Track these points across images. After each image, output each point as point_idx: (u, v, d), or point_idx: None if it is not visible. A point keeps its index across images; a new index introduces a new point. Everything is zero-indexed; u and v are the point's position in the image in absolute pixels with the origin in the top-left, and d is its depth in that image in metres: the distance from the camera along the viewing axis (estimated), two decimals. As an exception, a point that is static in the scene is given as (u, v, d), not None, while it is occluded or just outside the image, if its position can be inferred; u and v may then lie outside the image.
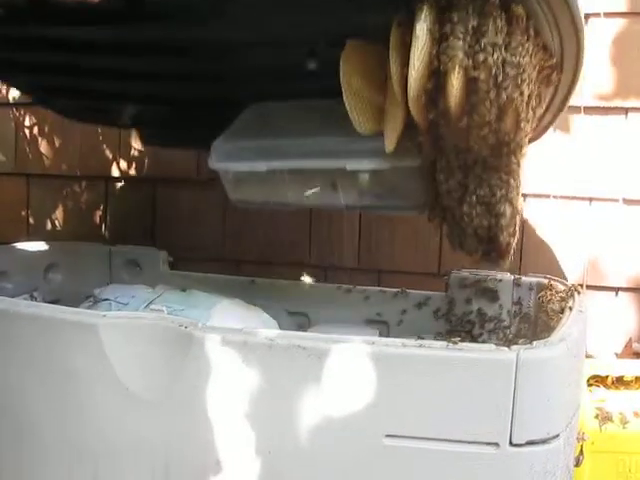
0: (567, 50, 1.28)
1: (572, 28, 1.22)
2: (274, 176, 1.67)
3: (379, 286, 1.77)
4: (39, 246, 1.93)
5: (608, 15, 1.99)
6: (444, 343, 1.00)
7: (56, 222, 2.50)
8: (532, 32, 1.21)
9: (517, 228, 1.43)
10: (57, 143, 2.48)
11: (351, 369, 1.01)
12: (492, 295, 1.67)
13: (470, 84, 1.17)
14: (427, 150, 1.39)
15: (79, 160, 2.47)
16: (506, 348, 0.99)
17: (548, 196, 2.06)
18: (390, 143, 1.39)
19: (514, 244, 1.43)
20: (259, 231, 2.29)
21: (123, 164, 2.42)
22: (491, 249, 1.48)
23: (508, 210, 1.41)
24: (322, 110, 1.62)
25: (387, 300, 1.74)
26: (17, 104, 2.52)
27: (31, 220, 2.54)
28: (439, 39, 1.17)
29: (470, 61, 1.16)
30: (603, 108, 2.02)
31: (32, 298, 1.82)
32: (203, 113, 1.88)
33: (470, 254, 1.54)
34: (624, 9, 1.98)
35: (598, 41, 2.00)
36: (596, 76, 2.00)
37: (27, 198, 2.54)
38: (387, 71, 1.34)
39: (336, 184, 1.66)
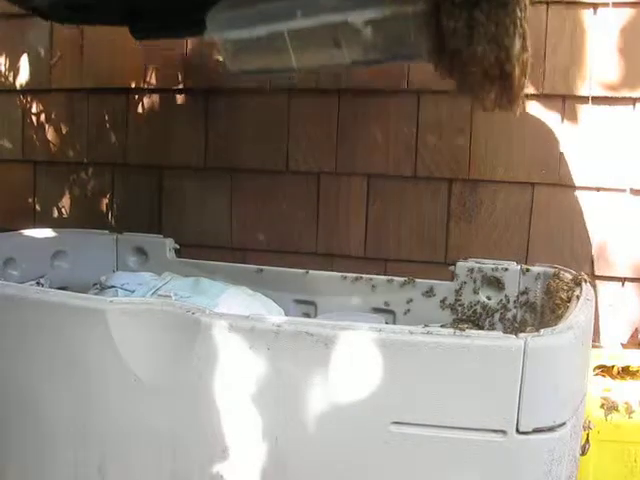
0: None
1: None
2: (276, 41, 1.61)
3: (386, 275, 1.77)
4: (46, 233, 1.93)
5: (616, 5, 1.98)
6: (451, 330, 1.00)
7: (63, 209, 2.51)
8: None
9: (529, 65, 1.37)
10: (64, 130, 2.48)
11: (358, 356, 1.01)
12: (498, 284, 1.66)
13: None
14: None
15: (86, 147, 2.47)
16: (513, 336, 0.99)
17: (555, 185, 2.06)
18: None
19: (525, 86, 1.40)
20: (266, 219, 2.29)
21: (130, 151, 2.42)
22: (502, 90, 1.42)
23: (518, 42, 1.37)
24: None
25: (394, 289, 1.74)
26: (24, 91, 2.52)
27: (38, 207, 2.54)
28: None
29: None
30: (611, 98, 2.01)
31: (39, 285, 1.82)
32: None
33: (482, 99, 1.45)
34: (634, -1, 1.97)
35: (606, 31, 1.99)
36: (604, 66, 1.99)
37: (34, 185, 2.54)
38: None
39: (339, 41, 1.60)
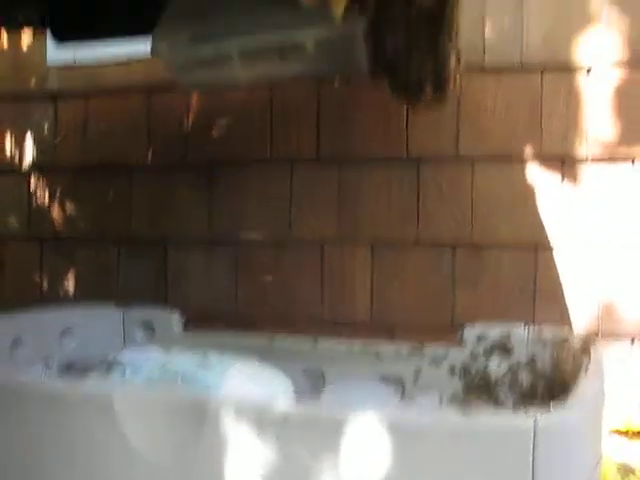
0: None
1: None
2: (222, 57, 1.66)
3: (393, 339, 1.77)
4: (52, 311, 1.93)
5: (611, 66, 2.01)
6: (460, 412, 0.99)
7: (69, 285, 2.52)
8: None
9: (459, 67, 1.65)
10: (69, 207, 2.51)
11: (367, 441, 1.00)
12: (507, 350, 1.66)
13: None
14: (371, 11, 1.53)
15: (91, 223, 2.49)
16: (524, 414, 0.98)
17: (558, 245, 2.06)
18: (339, 10, 1.46)
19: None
20: (271, 289, 2.30)
21: (135, 226, 2.44)
22: (435, 94, 1.67)
23: (453, 56, 1.60)
24: None
25: (402, 357, 1.73)
26: (30, 170, 2.56)
27: (44, 284, 2.55)
28: None
29: None
30: (609, 158, 2.02)
31: (47, 366, 1.82)
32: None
33: (414, 102, 1.73)
34: (626, 59, 2.01)
35: (601, 92, 2.02)
36: (601, 126, 2.02)
37: (40, 262, 2.56)
38: None
39: (285, 56, 1.68)
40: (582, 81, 2.04)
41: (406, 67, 1.64)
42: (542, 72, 2.06)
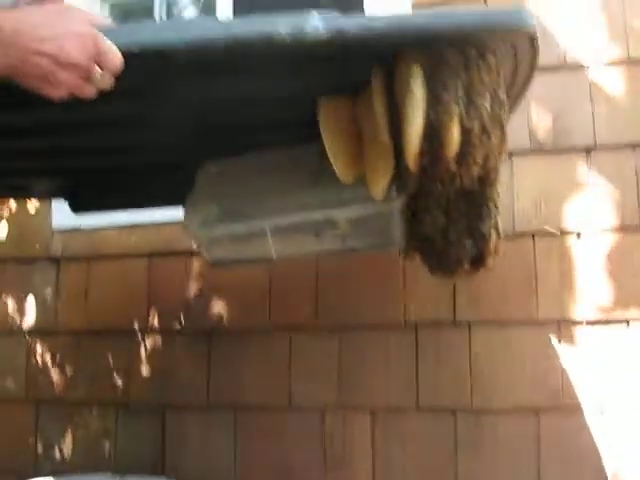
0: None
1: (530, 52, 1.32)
2: (256, 234, 1.67)
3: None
4: (47, 482, 1.90)
5: (600, 230, 2.07)
6: None
7: (65, 450, 2.47)
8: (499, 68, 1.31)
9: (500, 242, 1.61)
10: (68, 370, 2.50)
11: None
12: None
13: (464, 134, 1.25)
14: (410, 191, 1.50)
15: (90, 387, 2.48)
16: None
17: (559, 409, 2.05)
18: (380, 190, 1.44)
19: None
20: (270, 456, 2.26)
21: (133, 391, 2.43)
22: (474, 265, 1.65)
23: (494, 233, 1.57)
24: (283, 164, 1.66)
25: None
26: (30, 332, 2.57)
27: (39, 447, 2.50)
28: (432, 94, 1.25)
29: (464, 113, 1.24)
30: (604, 320, 2.05)
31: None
32: (141, 177, 1.86)
33: (449, 276, 1.71)
34: (615, 224, 2.07)
35: (592, 255, 2.08)
36: (594, 288, 2.06)
37: (35, 425, 2.52)
38: (362, 123, 1.47)
39: (320, 233, 1.70)
40: (573, 245, 2.09)
41: (444, 246, 1.63)
42: (534, 237, 2.12)
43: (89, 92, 1.02)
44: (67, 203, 2.02)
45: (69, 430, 2.48)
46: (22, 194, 2.16)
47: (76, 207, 2.05)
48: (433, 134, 1.25)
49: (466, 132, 1.26)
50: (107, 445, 2.43)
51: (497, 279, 2.11)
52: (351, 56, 1.25)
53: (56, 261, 2.58)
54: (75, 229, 2.55)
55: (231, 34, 1.14)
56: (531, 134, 2.16)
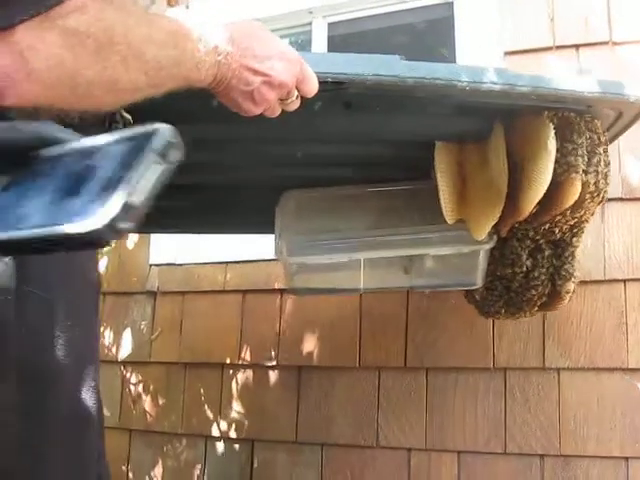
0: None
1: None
2: (349, 265, 1.72)
3: None
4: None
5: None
6: None
7: (155, 479, 2.55)
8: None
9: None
10: (160, 401, 2.59)
11: None
12: None
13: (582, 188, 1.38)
14: (504, 235, 1.59)
15: (181, 418, 2.56)
16: None
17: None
18: (484, 233, 1.51)
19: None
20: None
21: (223, 424, 2.49)
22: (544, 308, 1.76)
23: (573, 277, 1.66)
24: (364, 199, 1.76)
25: None
26: (125, 362, 2.68)
27: (130, 475, 2.59)
28: (562, 151, 1.37)
29: (586, 169, 1.37)
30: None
31: None
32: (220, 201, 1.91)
33: (517, 316, 1.81)
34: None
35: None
36: None
37: (128, 453, 2.62)
38: (469, 168, 1.57)
39: (409, 268, 1.75)
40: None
41: (523, 286, 1.70)
42: (625, 283, 2.11)
43: (277, 113, 1.03)
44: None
45: (159, 459, 2.56)
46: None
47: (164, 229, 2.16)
48: (553, 187, 1.34)
49: (584, 187, 1.37)
50: (195, 476, 2.50)
51: (587, 325, 2.10)
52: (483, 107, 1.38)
53: (152, 295, 2.69)
54: (171, 264, 2.66)
55: (420, 75, 1.23)
56: (623, 181, 2.16)
